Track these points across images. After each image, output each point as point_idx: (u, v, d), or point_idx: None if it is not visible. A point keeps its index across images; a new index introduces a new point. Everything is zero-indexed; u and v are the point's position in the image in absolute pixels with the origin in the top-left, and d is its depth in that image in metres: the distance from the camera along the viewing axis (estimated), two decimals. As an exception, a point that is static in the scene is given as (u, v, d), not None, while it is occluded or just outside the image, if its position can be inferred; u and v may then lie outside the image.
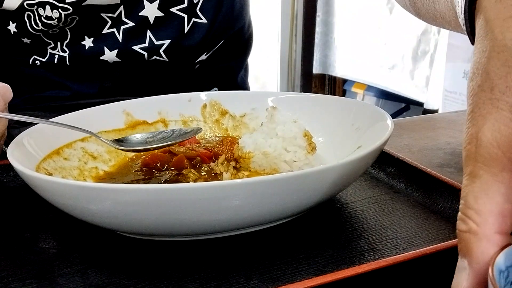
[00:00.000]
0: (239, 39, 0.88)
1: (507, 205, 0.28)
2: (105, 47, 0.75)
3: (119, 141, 0.53)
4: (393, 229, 0.45)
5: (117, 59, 0.76)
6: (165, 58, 0.78)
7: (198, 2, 0.77)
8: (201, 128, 0.54)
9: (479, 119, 0.29)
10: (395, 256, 0.38)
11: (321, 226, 0.46)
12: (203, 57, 0.82)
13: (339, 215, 0.48)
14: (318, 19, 2.54)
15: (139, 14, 0.75)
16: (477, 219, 0.28)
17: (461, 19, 0.40)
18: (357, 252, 0.41)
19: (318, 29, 2.56)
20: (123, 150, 0.52)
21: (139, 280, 0.38)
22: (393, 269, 0.37)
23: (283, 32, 2.69)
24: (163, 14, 0.75)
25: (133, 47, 0.76)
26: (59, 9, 0.70)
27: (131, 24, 0.75)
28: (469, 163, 0.29)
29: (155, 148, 0.52)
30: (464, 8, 0.38)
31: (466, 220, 0.29)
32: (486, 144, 0.29)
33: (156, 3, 0.74)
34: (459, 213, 0.30)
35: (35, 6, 0.71)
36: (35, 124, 0.52)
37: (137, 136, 0.55)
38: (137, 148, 0.52)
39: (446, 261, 0.40)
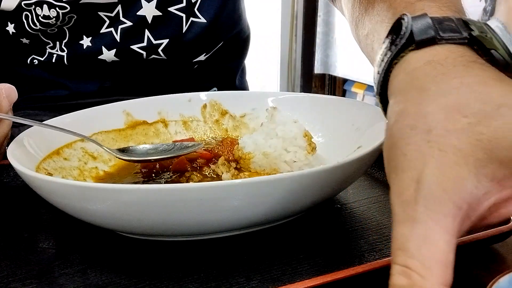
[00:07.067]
0: (237, 41, 0.88)
1: (451, 255, 0.25)
2: (103, 47, 0.75)
3: (121, 151, 0.54)
4: (393, 229, 0.45)
5: (115, 59, 0.76)
6: (163, 56, 0.78)
7: (196, 2, 0.77)
8: (202, 144, 0.54)
9: (417, 162, 0.27)
10: (395, 256, 0.38)
11: (321, 226, 0.46)
12: (202, 57, 0.82)
13: (339, 215, 0.48)
14: (320, 19, 2.54)
15: (137, 13, 0.74)
16: (422, 271, 0.25)
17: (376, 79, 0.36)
18: (357, 252, 0.41)
19: (319, 29, 2.55)
20: (123, 159, 0.53)
21: (139, 280, 0.38)
22: (393, 269, 0.37)
23: (283, 32, 2.69)
24: (161, 14, 0.75)
25: (131, 47, 0.76)
26: (57, 8, 0.70)
27: (129, 23, 0.75)
28: (407, 209, 0.26)
29: (155, 160, 0.53)
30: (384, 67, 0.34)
31: (408, 272, 0.25)
32: (430, 188, 0.26)
33: (154, 3, 0.74)
34: (395, 265, 0.26)
35: (33, 6, 0.71)
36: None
37: (139, 148, 0.55)
38: (138, 158, 0.53)
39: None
